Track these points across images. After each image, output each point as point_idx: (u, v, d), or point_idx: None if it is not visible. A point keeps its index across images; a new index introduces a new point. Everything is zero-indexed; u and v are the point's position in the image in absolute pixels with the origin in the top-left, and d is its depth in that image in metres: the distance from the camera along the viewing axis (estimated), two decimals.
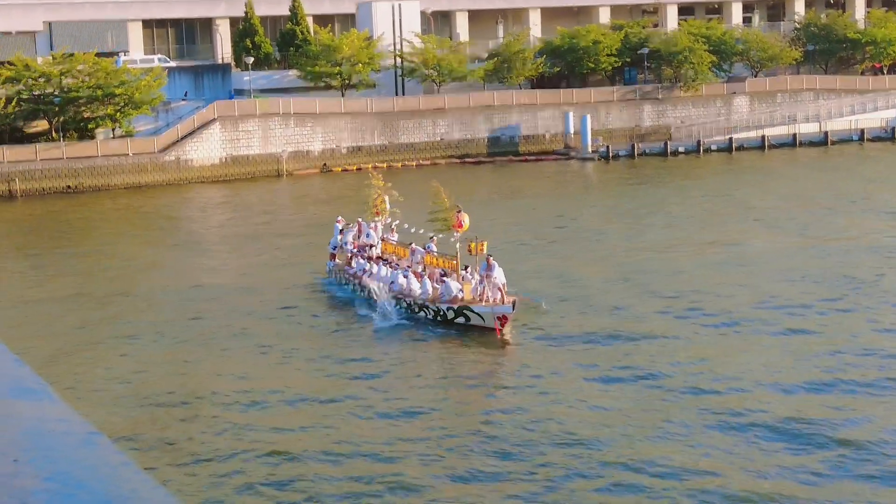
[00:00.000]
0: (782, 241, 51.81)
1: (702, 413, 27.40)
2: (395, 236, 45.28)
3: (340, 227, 46.69)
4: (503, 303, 37.02)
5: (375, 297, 40.48)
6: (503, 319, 36.68)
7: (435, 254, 41.55)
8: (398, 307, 39.52)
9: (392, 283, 40.77)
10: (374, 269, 42.46)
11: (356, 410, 28.66)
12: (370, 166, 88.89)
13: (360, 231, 46.01)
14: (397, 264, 42.24)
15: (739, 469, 23.69)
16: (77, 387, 31.96)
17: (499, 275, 37.98)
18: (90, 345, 37.11)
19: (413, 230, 43.63)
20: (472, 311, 37.50)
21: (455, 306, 37.91)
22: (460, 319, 37.79)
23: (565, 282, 43.91)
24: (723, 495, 22.33)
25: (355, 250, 45.01)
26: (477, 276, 38.46)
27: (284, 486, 23.52)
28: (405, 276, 40.21)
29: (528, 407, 28.53)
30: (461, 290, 38.20)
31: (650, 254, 49.53)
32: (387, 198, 44.85)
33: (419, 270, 40.97)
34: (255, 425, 27.61)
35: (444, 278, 38.83)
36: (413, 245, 42.76)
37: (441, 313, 38.24)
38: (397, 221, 45.06)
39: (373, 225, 45.70)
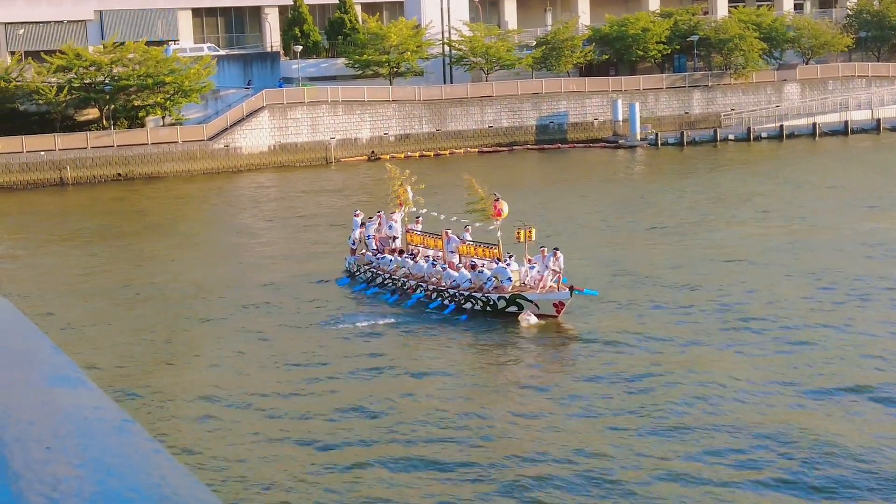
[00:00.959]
0: (834, 235, 51.09)
1: (741, 431, 26.14)
2: (420, 226, 44.19)
3: (360, 221, 45.47)
4: (558, 289, 36.73)
5: (411, 291, 40.16)
6: (560, 306, 36.46)
7: (470, 242, 40.93)
8: (438, 299, 39.07)
9: (426, 275, 40.33)
10: (409, 262, 41.49)
11: (382, 412, 28.20)
12: (417, 154, 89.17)
13: (381, 224, 45.01)
14: (427, 255, 41.58)
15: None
16: (111, 374, 32.31)
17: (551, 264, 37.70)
18: (124, 334, 37.45)
19: (445, 217, 43.21)
20: (527, 300, 37.06)
21: (507, 295, 37.39)
22: (512, 308, 37.34)
23: (613, 272, 43.45)
24: None
25: (377, 244, 43.99)
26: (526, 265, 38.06)
27: (315, 487, 23.47)
28: (442, 268, 39.64)
29: (556, 415, 27.58)
30: (509, 279, 37.52)
31: (699, 246, 49.05)
32: (408, 188, 43.53)
33: (454, 260, 40.25)
34: (280, 427, 27.27)
35: (475, 268, 38.41)
36: (449, 232, 41.71)
37: (491, 303, 37.68)
38: (423, 210, 43.87)
39: (394, 217, 44.62)
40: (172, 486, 1.75)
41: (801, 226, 53.01)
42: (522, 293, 37.27)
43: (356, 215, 46.18)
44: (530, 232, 38.40)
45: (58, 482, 1.71)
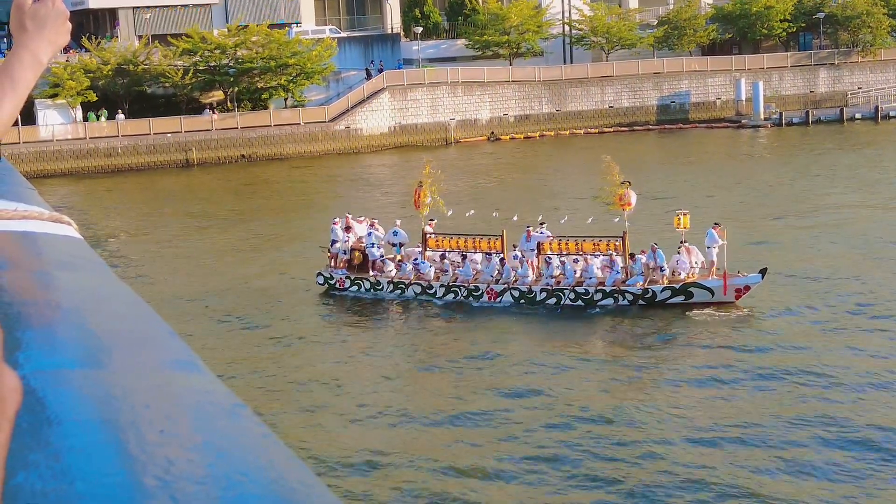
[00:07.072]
0: None
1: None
2: (432, 229, 41.03)
3: (348, 227, 42.51)
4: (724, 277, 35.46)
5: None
6: (744, 290, 35.42)
7: (550, 239, 38.47)
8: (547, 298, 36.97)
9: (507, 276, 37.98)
10: (476, 265, 38.83)
11: (508, 408, 27.81)
12: (537, 134, 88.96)
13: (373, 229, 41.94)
14: (483, 257, 38.98)
15: None
16: (221, 359, 32.81)
17: (692, 251, 36.59)
18: (235, 318, 37.81)
19: (498, 217, 42.00)
20: (703, 287, 35.59)
21: (675, 286, 35.84)
22: (676, 299, 35.78)
23: (750, 258, 41.08)
24: None
25: (381, 253, 40.98)
26: (684, 254, 36.60)
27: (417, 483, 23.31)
28: (576, 261, 37.15)
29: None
30: (679, 267, 35.99)
31: (836, 231, 47.12)
32: (428, 191, 40.61)
33: (533, 259, 38.03)
34: (390, 421, 26.81)
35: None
36: (530, 230, 39.17)
37: (649, 295, 35.84)
38: (450, 212, 41.52)
39: (360, 223, 42.61)
40: (280, 471, 1.80)
41: None
42: (698, 281, 35.89)
43: (334, 223, 42.81)
44: (686, 217, 37.11)
45: (170, 465, 1.73)
